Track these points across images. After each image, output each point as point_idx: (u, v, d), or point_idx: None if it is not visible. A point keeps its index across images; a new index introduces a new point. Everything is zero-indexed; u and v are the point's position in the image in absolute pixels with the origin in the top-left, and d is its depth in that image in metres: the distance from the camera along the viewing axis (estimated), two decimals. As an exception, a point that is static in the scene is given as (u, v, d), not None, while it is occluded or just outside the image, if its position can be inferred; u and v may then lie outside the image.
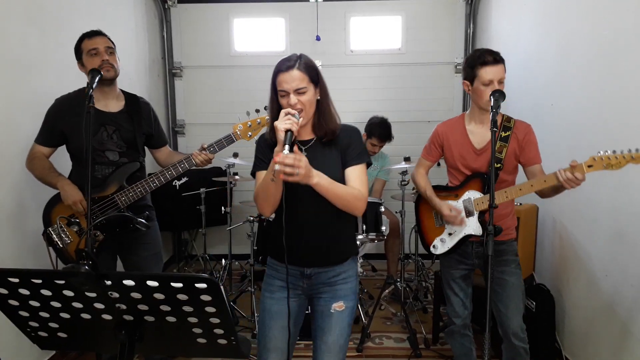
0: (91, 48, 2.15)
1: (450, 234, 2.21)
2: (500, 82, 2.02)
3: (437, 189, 2.28)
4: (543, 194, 2.05)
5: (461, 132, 2.19)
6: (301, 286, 1.76)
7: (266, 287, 1.79)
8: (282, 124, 1.52)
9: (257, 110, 2.14)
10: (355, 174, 1.70)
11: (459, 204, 2.18)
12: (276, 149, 1.57)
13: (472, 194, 2.15)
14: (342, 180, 1.68)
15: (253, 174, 1.78)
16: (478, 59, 2.03)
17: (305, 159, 1.50)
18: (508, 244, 2.18)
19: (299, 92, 1.60)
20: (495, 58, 2.01)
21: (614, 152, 1.80)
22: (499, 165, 2.09)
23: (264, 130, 1.88)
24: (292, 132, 1.51)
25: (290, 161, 1.44)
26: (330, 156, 1.70)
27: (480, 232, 2.12)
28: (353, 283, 1.78)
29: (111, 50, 2.21)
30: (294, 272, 1.73)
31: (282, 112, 1.57)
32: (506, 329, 2.13)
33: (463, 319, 2.25)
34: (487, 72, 2.00)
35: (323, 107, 1.69)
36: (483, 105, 2.06)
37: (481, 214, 2.12)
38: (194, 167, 2.23)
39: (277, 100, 1.66)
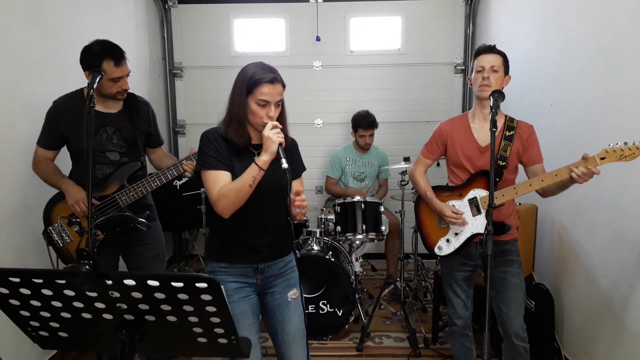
0: (116, 77, 2.11)
1: (456, 234, 2.18)
2: (494, 70, 2.06)
3: (439, 189, 2.26)
4: (546, 192, 2.05)
5: (465, 130, 2.18)
6: (255, 283, 1.81)
7: None
8: (276, 137, 1.62)
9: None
10: (300, 183, 1.89)
11: (464, 202, 2.16)
12: (264, 158, 1.62)
13: (478, 192, 2.13)
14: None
15: (198, 172, 1.74)
16: (476, 51, 2.13)
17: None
18: (511, 243, 2.17)
19: (276, 104, 1.69)
20: (489, 48, 2.09)
21: (626, 143, 1.81)
22: (504, 163, 2.09)
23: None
24: (282, 145, 1.63)
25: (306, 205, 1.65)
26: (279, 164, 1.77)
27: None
28: (297, 271, 1.92)
29: (129, 74, 2.19)
30: (247, 271, 1.78)
31: (270, 124, 1.65)
32: (507, 329, 2.12)
33: (464, 320, 2.24)
34: (480, 60, 2.09)
35: (284, 121, 1.77)
36: (475, 91, 2.12)
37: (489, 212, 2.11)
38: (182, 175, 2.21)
39: (246, 104, 1.68)
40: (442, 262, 2.31)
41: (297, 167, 1.88)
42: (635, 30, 2.16)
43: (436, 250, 2.23)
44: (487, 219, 2.06)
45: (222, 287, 1.01)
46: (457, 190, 2.19)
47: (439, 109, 4.73)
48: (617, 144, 1.82)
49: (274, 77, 1.67)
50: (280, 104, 1.72)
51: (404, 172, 3.40)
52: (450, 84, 4.75)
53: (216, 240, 1.82)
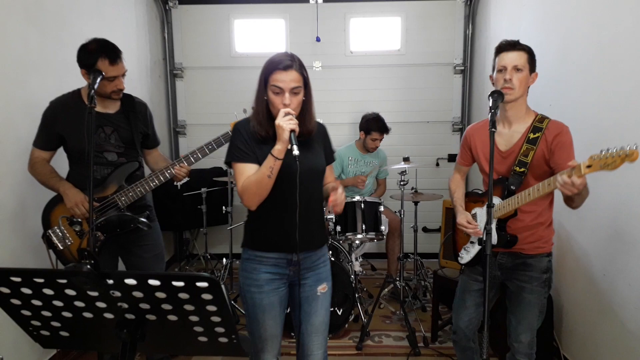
0: (112, 76, 2.10)
1: (472, 242, 2.11)
2: (517, 69, 1.87)
3: (470, 195, 2.19)
4: (568, 202, 1.83)
5: (488, 134, 2.01)
6: (287, 274, 1.81)
7: (251, 283, 1.78)
8: (287, 124, 1.59)
9: (254, 108, 2.15)
10: (331, 170, 1.93)
11: (484, 210, 2.05)
12: (278, 147, 1.62)
13: (495, 200, 1.98)
14: (324, 171, 1.85)
15: (228, 163, 1.77)
16: (497, 47, 1.95)
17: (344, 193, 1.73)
18: (537, 259, 1.97)
19: (293, 91, 1.65)
20: (512, 44, 1.90)
21: (608, 149, 1.57)
22: (523, 169, 1.93)
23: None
24: (294, 132, 1.60)
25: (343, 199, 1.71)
26: (316, 152, 1.81)
27: (497, 242, 1.93)
28: (329, 265, 1.94)
29: (124, 73, 2.19)
30: (281, 261, 1.78)
31: (282, 111, 1.62)
32: (512, 342, 2.05)
33: (466, 335, 2.15)
34: (501, 58, 1.91)
35: (307, 107, 1.75)
36: None
37: (500, 222, 1.95)
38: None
39: (265, 95, 1.68)
40: (463, 269, 2.22)
41: (327, 153, 1.88)
42: (635, 30, 2.16)
43: (459, 258, 2.17)
44: (497, 228, 1.97)
45: (222, 286, 1.02)
46: (481, 198, 2.13)
47: (439, 109, 4.73)
48: (607, 149, 1.57)
49: (287, 64, 1.63)
50: (299, 91, 1.67)
51: (403, 172, 3.40)
52: (450, 85, 4.76)
53: (251, 228, 1.83)
